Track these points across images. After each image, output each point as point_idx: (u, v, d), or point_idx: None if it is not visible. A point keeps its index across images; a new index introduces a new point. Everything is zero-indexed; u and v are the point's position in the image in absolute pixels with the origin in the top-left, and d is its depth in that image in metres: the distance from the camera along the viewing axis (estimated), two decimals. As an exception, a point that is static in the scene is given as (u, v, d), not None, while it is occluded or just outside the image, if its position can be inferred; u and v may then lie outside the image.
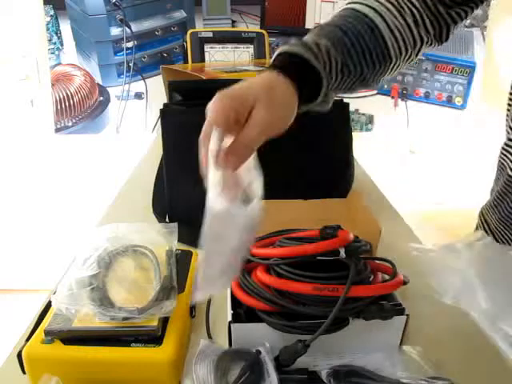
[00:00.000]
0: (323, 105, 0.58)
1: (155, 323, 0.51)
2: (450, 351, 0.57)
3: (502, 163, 0.75)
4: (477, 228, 0.82)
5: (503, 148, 0.75)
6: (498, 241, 0.75)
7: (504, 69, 1.85)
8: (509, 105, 0.72)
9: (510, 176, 0.73)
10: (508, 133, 0.74)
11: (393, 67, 0.61)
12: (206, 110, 0.51)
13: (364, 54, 0.57)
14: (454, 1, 0.59)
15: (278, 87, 0.51)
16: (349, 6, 0.61)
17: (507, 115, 0.73)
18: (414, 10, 0.59)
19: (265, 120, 0.48)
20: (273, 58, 0.57)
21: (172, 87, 0.85)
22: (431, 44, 0.63)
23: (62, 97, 1.69)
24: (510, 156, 0.73)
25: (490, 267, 0.41)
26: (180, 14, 1.78)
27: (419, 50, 0.62)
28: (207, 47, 1.26)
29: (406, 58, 0.61)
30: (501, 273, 0.41)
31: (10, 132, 1.88)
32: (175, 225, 0.60)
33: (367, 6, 0.59)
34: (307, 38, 0.58)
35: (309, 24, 1.81)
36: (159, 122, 0.81)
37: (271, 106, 0.49)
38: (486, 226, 0.79)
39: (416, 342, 0.56)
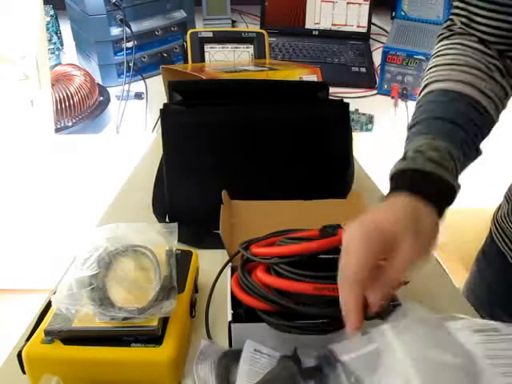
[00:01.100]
0: None
1: (155, 323, 0.51)
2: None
3: None
4: (490, 234, 0.81)
5: None
6: None
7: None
8: None
9: None
10: None
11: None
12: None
13: (477, 136, 0.56)
14: None
15: (425, 219, 0.46)
16: (436, 86, 0.58)
17: None
18: (495, 62, 0.58)
19: (413, 255, 0.44)
20: (394, 171, 0.52)
21: (172, 87, 0.85)
22: None
23: (61, 97, 1.69)
24: None
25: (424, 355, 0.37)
26: (180, 14, 1.78)
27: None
28: (207, 47, 1.26)
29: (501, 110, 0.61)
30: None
31: (9, 132, 1.88)
32: (175, 225, 0.60)
33: (456, 81, 0.57)
34: (422, 143, 0.52)
35: (309, 24, 1.81)
36: (159, 122, 0.81)
37: (419, 240, 0.44)
38: (501, 232, 0.78)
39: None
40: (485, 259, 0.83)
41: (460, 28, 0.61)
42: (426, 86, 0.60)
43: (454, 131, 0.54)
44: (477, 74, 0.57)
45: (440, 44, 0.63)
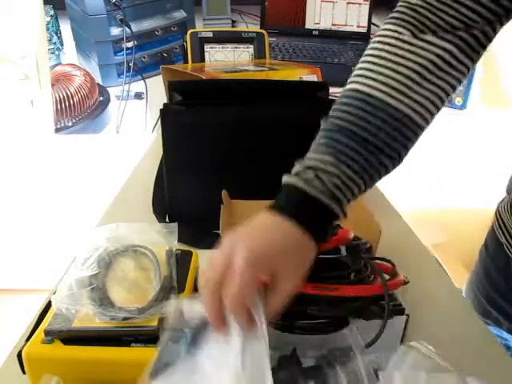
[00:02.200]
0: None
1: (155, 323, 0.51)
2: (450, 351, 0.57)
3: None
4: (492, 227, 0.82)
5: None
6: None
7: (504, 69, 1.85)
8: None
9: None
10: None
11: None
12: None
13: (383, 151, 0.50)
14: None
15: (304, 249, 0.46)
16: (364, 89, 0.50)
17: None
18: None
19: (292, 288, 0.45)
20: (284, 187, 0.49)
21: (172, 87, 0.85)
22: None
23: (61, 97, 1.69)
24: None
25: None
26: (180, 14, 1.78)
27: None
28: (207, 47, 1.26)
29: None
30: None
31: (9, 132, 1.88)
32: (175, 225, 0.60)
33: (381, 83, 0.49)
34: (314, 162, 0.49)
35: (309, 24, 1.81)
36: (159, 122, 0.81)
37: (298, 271, 0.46)
38: (501, 224, 0.78)
39: (416, 342, 0.56)
40: (486, 251, 0.83)
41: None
42: (356, 79, 0.52)
43: (352, 152, 0.49)
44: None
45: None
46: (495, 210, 0.81)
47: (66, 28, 1.91)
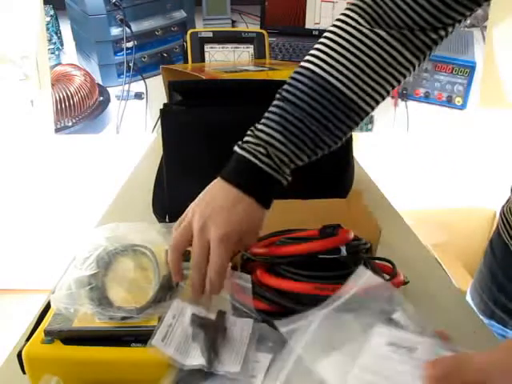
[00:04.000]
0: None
1: (155, 323, 0.51)
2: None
3: None
4: (498, 228, 0.82)
5: None
6: None
7: (504, 69, 1.85)
8: None
9: None
10: None
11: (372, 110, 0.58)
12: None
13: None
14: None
15: (240, 205, 0.53)
16: (311, 67, 0.56)
17: None
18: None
19: (220, 247, 0.51)
20: (234, 156, 0.56)
21: (172, 87, 0.85)
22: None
23: (61, 97, 1.69)
24: None
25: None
26: (180, 14, 1.78)
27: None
28: (207, 47, 1.26)
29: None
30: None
31: (10, 132, 1.88)
32: (175, 225, 0.60)
33: (328, 64, 0.55)
34: (266, 137, 0.55)
35: (309, 24, 1.81)
36: (159, 122, 0.81)
37: (252, 237, 0.55)
38: (506, 224, 0.78)
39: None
40: (491, 251, 0.84)
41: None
42: (313, 59, 0.57)
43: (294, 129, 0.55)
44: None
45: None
46: (500, 211, 0.81)
47: (66, 28, 1.91)
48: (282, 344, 0.51)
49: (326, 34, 0.58)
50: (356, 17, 0.56)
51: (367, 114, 0.58)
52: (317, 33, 1.81)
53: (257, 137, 0.55)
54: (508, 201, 0.80)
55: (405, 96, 1.90)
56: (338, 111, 0.55)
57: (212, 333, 0.48)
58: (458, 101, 1.90)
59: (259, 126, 0.56)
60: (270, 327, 0.52)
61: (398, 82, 0.57)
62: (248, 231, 0.53)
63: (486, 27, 1.88)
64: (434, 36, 0.56)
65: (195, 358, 0.48)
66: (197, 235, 0.52)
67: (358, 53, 0.55)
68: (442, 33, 0.56)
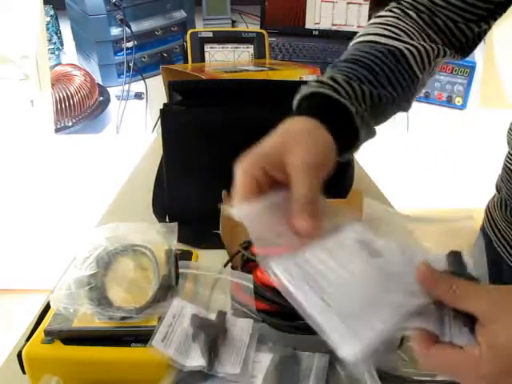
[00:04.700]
0: (368, 136, 0.56)
1: (154, 323, 0.51)
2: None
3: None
4: (483, 224, 0.82)
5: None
6: (504, 239, 0.75)
7: (504, 69, 1.85)
8: None
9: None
10: None
11: (419, 84, 0.61)
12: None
13: (390, 81, 0.56)
14: (473, 14, 0.59)
15: (317, 131, 0.47)
16: (362, 39, 0.64)
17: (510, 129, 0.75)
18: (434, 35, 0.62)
19: (306, 165, 0.43)
20: (297, 99, 0.54)
21: (172, 87, 0.85)
22: (454, 57, 0.64)
23: (61, 97, 1.69)
24: None
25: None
26: (180, 14, 1.78)
27: (440, 61, 0.63)
28: (207, 47, 1.25)
29: (430, 71, 0.62)
30: None
31: (10, 132, 1.88)
32: (175, 225, 0.60)
33: (384, 36, 0.62)
34: (328, 75, 0.54)
35: (309, 24, 1.81)
36: (159, 122, 0.81)
37: (312, 145, 0.45)
38: (491, 221, 0.78)
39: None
40: (476, 249, 0.84)
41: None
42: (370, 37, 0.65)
43: (365, 73, 0.56)
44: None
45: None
46: (485, 207, 0.82)
47: (66, 28, 1.91)
48: (281, 344, 0.52)
49: (379, 21, 0.68)
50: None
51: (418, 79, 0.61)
52: (317, 33, 1.81)
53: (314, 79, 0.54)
54: (493, 197, 0.80)
55: (405, 96, 1.90)
56: (397, 70, 0.58)
57: (212, 333, 0.48)
58: (458, 101, 1.90)
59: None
60: (270, 327, 0.52)
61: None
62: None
63: (486, 27, 1.88)
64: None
65: (195, 360, 0.48)
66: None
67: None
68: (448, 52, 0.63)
